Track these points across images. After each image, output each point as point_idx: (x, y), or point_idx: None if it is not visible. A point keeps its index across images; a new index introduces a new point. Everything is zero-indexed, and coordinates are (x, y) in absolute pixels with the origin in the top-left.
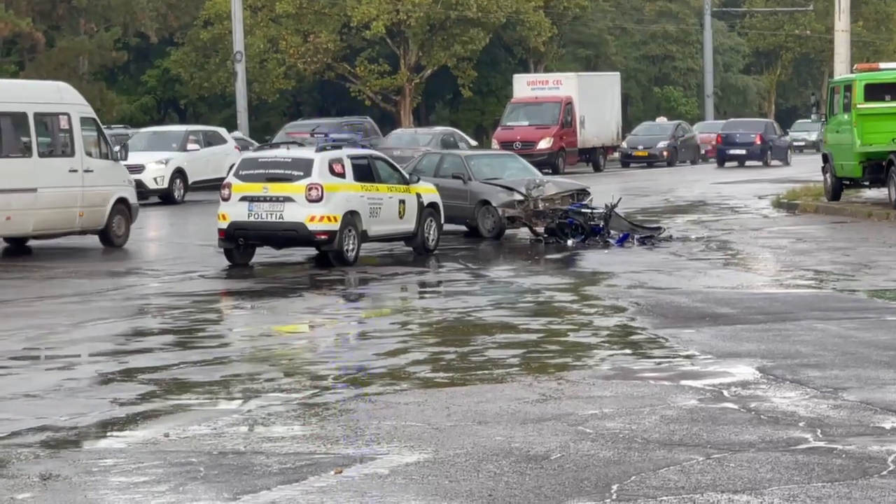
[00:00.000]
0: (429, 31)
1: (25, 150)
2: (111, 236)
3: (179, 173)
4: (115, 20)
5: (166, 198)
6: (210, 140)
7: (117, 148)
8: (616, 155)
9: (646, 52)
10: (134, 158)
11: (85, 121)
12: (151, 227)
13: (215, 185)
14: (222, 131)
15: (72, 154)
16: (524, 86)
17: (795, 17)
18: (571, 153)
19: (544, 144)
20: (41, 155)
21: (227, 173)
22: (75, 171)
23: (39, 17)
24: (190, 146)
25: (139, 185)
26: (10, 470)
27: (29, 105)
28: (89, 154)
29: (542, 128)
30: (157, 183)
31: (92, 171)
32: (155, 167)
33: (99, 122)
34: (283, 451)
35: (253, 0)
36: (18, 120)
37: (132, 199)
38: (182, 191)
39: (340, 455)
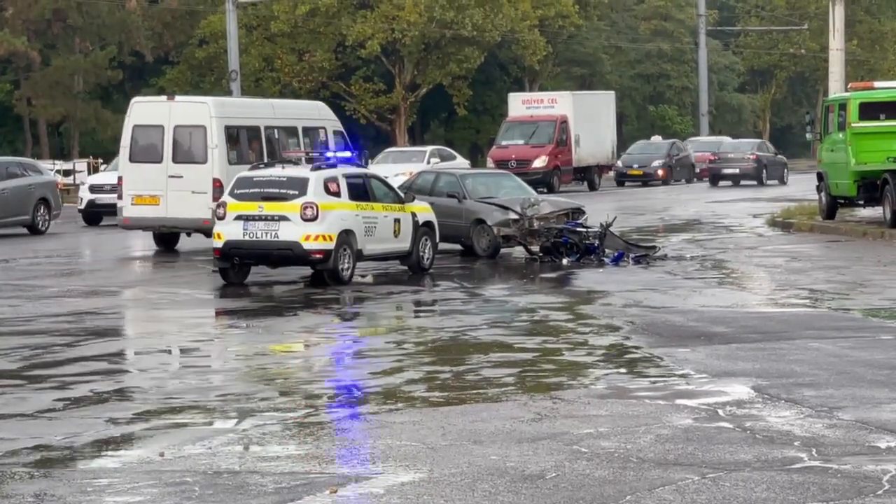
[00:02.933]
0: (424, 50)
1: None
2: None
3: None
4: (111, 39)
5: None
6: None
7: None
8: (611, 174)
9: (640, 70)
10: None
11: (336, 133)
12: (138, 247)
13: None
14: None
15: None
16: (519, 104)
17: (790, 35)
18: (566, 172)
19: (539, 163)
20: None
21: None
22: None
23: (35, 35)
24: None
25: None
26: (5, 489)
27: (298, 121)
28: None
29: (537, 146)
30: None
31: None
32: None
33: (346, 135)
34: (278, 471)
35: (248, 19)
36: (292, 133)
37: None
38: None
39: (335, 475)
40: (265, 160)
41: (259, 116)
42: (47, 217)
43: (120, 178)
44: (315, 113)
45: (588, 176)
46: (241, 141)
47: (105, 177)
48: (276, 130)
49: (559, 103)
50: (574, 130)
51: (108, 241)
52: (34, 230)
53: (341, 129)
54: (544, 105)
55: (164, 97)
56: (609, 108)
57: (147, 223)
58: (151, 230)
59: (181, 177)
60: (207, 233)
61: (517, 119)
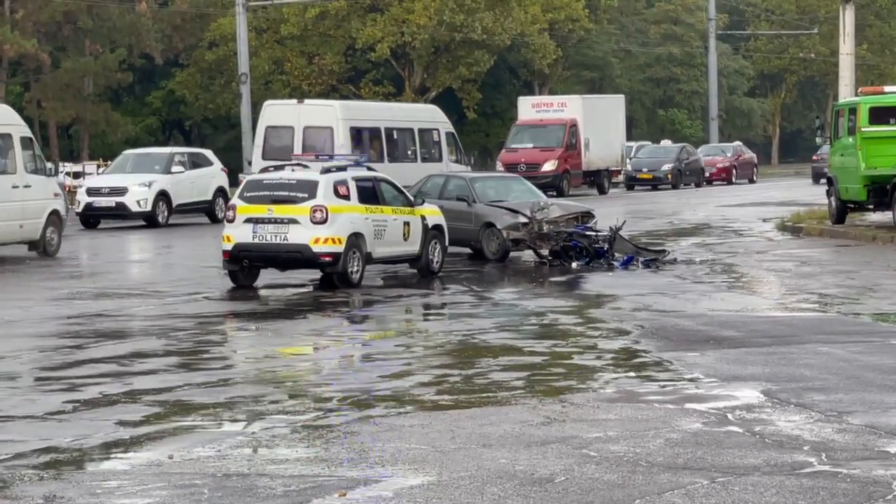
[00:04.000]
0: (433, 53)
1: (414, 157)
2: None
3: (163, 196)
4: (121, 41)
5: (150, 221)
6: (196, 162)
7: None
8: (621, 177)
9: (650, 74)
10: (117, 181)
11: (448, 135)
12: (147, 250)
13: (200, 208)
14: (208, 153)
15: (439, 159)
16: (529, 108)
17: (800, 40)
18: (576, 175)
19: (549, 167)
20: (423, 160)
21: (213, 196)
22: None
23: (45, 38)
24: (174, 168)
25: (122, 208)
26: (14, 491)
27: (415, 122)
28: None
29: (546, 150)
30: (140, 206)
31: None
32: (138, 190)
33: (457, 136)
34: (287, 474)
35: (258, 22)
36: (408, 134)
37: None
38: (166, 214)
39: (344, 478)
40: (385, 159)
41: (379, 118)
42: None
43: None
44: (429, 115)
45: (598, 180)
46: (364, 140)
47: (103, 179)
48: (394, 131)
49: (569, 107)
50: (584, 134)
51: (112, 243)
52: None
53: (452, 130)
54: (554, 109)
55: (294, 101)
56: (619, 111)
57: None
58: None
59: None
60: None
61: (527, 122)
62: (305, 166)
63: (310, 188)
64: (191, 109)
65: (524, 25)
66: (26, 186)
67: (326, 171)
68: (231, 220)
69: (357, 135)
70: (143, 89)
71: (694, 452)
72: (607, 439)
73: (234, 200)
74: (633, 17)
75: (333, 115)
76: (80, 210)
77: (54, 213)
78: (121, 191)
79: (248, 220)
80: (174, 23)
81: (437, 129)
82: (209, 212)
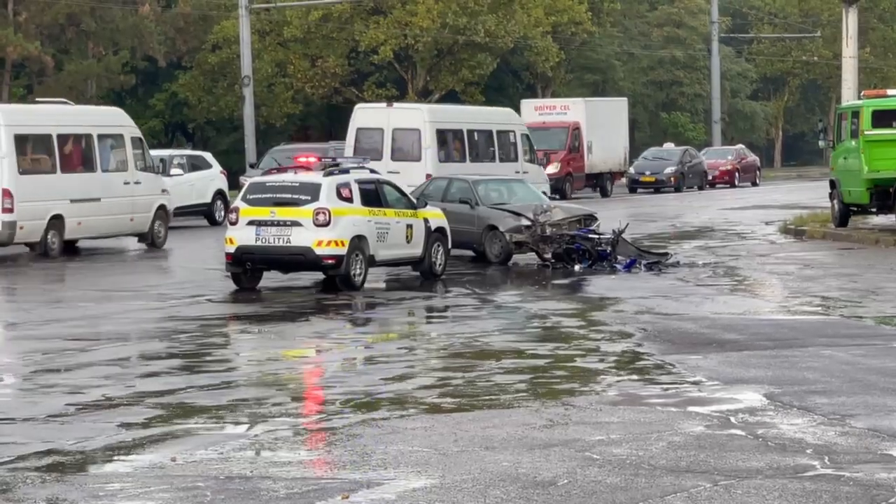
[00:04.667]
0: (436, 56)
1: (493, 157)
2: None
3: None
4: (124, 44)
5: None
6: (195, 165)
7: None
8: (624, 181)
9: (653, 77)
10: None
11: (523, 136)
12: (151, 252)
13: (199, 211)
14: (207, 156)
15: (515, 159)
16: (532, 111)
17: (803, 43)
18: (579, 178)
19: (551, 170)
20: (501, 160)
21: (212, 199)
22: (518, 171)
23: (48, 40)
24: (173, 171)
25: None
26: (17, 494)
27: (493, 125)
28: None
29: (549, 153)
30: None
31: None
32: None
33: (526, 137)
34: (289, 476)
35: (261, 24)
36: (487, 136)
37: None
38: None
39: (347, 480)
40: (467, 159)
41: (462, 121)
42: None
43: None
44: (506, 118)
45: (600, 182)
46: (448, 142)
47: None
48: (475, 133)
49: (571, 110)
50: (586, 137)
51: (113, 246)
52: None
53: (527, 132)
54: (557, 112)
55: (383, 103)
56: (622, 114)
57: None
58: None
59: (398, 172)
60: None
61: (530, 126)
62: (308, 169)
63: (313, 191)
64: (194, 112)
65: (527, 28)
66: (136, 183)
67: (329, 173)
68: (234, 223)
69: (443, 137)
70: (146, 92)
71: (696, 455)
72: (610, 442)
73: (237, 203)
74: (636, 20)
75: (421, 118)
76: None
77: (161, 207)
78: None
79: (251, 223)
80: (177, 25)
81: (514, 131)
82: (208, 215)
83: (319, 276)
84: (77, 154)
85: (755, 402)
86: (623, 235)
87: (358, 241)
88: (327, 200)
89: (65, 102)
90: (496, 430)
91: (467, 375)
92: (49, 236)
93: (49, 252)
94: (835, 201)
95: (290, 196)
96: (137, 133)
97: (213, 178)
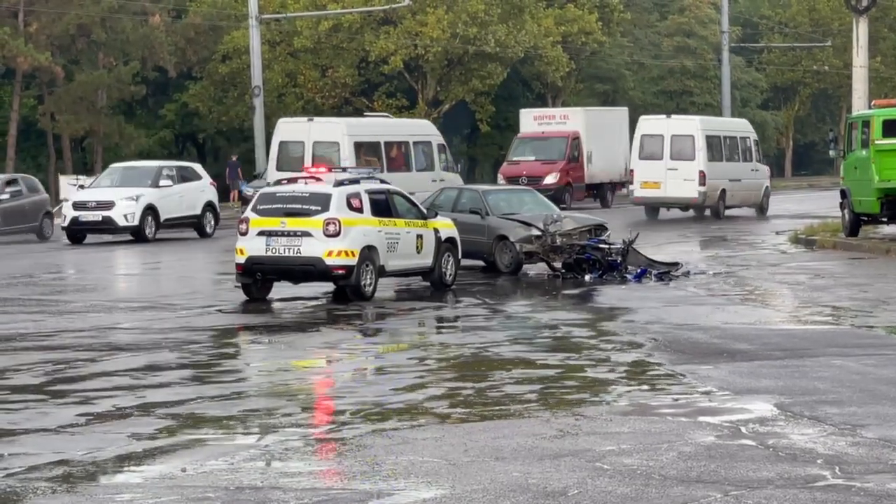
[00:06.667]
0: (447, 66)
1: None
2: None
3: (151, 210)
4: (134, 54)
5: (137, 235)
6: (184, 176)
7: None
8: (624, 191)
9: (663, 87)
10: (103, 195)
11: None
12: (154, 262)
13: (189, 222)
14: (197, 167)
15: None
16: (531, 120)
17: (813, 52)
18: (579, 189)
19: (550, 180)
20: (418, 169)
21: (202, 211)
22: (435, 180)
23: (59, 51)
24: (163, 182)
25: (109, 223)
26: None
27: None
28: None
29: (548, 163)
30: (127, 220)
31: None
32: (125, 204)
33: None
34: (300, 487)
35: (271, 35)
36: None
37: None
38: (153, 228)
39: (357, 491)
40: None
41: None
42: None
43: (632, 171)
44: (422, 129)
45: (601, 193)
46: (714, 146)
47: (90, 193)
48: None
49: (571, 119)
50: (586, 147)
51: (117, 257)
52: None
53: (443, 142)
54: (556, 121)
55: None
56: (622, 124)
57: (651, 201)
58: (654, 206)
59: (676, 169)
60: (699, 208)
61: (529, 135)
62: (318, 179)
63: (323, 201)
64: (204, 122)
65: (537, 38)
66: (441, 180)
67: (339, 183)
68: (244, 233)
69: (713, 142)
70: (156, 102)
71: (707, 466)
72: (620, 452)
73: (247, 213)
74: (647, 29)
75: (695, 128)
76: (65, 224)
77: None
78: (108, 205)
79: (262, 233)
80: (187, 35)
81: (431, 142)
82: (198, 226)
83: (330, 286)
84: (398, 157)
85: (766, 412)
86: (633, 245)
87: (368, 252)
88: (337, 211)
89: (386, 116)
90: (506, 440)
91: (477, 386)
92: None
93: None
94: (845, 211)
95: (300, 206)
96: (441, 140)
97: (202, 189)
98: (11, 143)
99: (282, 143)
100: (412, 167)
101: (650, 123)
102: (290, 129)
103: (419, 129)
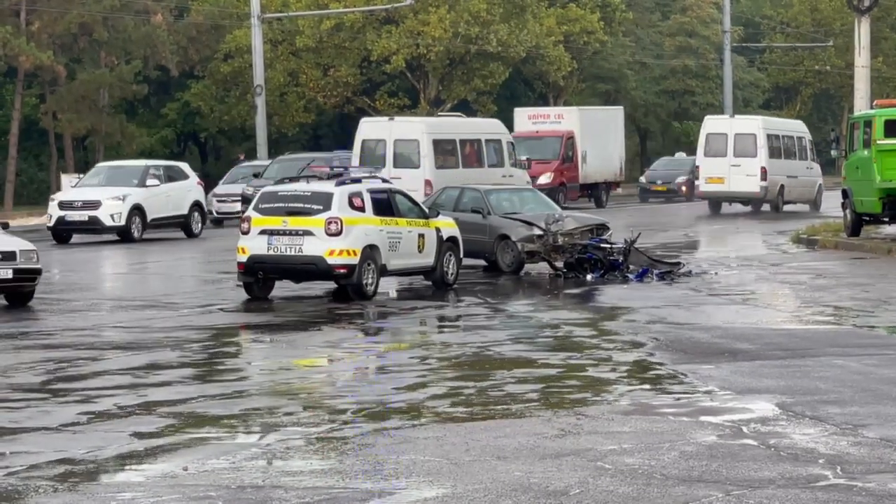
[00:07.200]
0: (448, 66)
1: (482, 163)
2: None
3: (137, 210)
4: (136, 53)
5: (123, 235)
6: (171, 176)
7: None
8: (619, 190)
9: (665, 86)
10: (90, 194)
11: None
12: (155, 262)
13: (176, 222)
14: (184, 166)
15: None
16: (525, 120)
17: (815, 52)
18: (573, 189)
19: (544, 179)
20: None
21: (189, 211)
22: (505, 175)
23: (60, 50)
24: (149, 182)
25: (95, 223)
26: (29, 503)
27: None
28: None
29: (542, 163)
30: (113, 220)
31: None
32: (112, 203)
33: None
34: (301, 486)
35: (273, 34)
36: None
37: None
38: (140, 228)
39: (359, 490)
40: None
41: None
42: None
43: (697, 167)
44: (493, 128)
45: (595, 193)
46: (773, 145)
47: (76, 193)
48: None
49: (566, 119)
50: (581, 146)
51: (117, 256)
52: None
53: (511, 140)
54: (550, 120)
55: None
56: (617, 123)
57: (715, 195)
58: (718, 200)
59: (739, 165)
60: (759, 202)
61: (522, 135)
62: (320, 178)
63: (325, 200)
64: (206, 121)
65: (539, 38)
66: (510, 176)
67: (341, 183)
68: (246, 232)
69: (773, 143)
70: (158, 101)
71: (709, 465)
72: (622, 452)
73: (249, 212)
74: (649, 29)
75: (757, 127)
76: (51, 224)
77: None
78: (94, 204)
79: (263, 232)
80: (189, 35)
81: (501, 140)
82: (185, 226)
83: (331, 285)
84: (472, 154)
85: (767, 412)
86: (635, 245)
87: (370, 251)
88: (339, 210)
89: (460, 115)
90: (508, 439)
91: (479, 385)
92: None
93: None
94: (847, 211)
95: (302, 205)
96: (510, 138)
97: (189, 188)
98: (13, 141)
99: (364, 142)
100: (484, 163)
101: (715, 123)
102: (371, 127)
103: (490, 127)
